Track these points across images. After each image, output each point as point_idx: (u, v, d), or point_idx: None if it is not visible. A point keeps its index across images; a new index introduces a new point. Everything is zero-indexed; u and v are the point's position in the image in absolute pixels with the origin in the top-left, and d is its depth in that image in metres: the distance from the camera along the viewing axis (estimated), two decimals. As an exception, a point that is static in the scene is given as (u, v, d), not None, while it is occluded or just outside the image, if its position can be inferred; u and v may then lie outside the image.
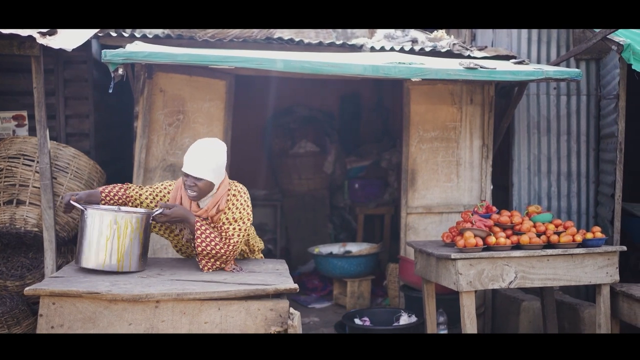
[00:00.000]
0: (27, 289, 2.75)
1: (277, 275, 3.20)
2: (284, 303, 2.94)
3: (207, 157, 3.20)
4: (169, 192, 3.40)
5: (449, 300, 4.78)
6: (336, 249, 6.63)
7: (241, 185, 3.40)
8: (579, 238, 4.07)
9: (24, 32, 3.87)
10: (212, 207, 3.27)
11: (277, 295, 2.98)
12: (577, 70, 4.54)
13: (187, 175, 3.20)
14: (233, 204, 3.30)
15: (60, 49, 3.99)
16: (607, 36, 4.31)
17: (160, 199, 3.38)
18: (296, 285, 3.02)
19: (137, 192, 3.40)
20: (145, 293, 2.79)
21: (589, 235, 4.10)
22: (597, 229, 4.16)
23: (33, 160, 4.46)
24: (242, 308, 2.89)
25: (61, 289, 2.75)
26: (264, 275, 3.19)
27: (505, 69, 4.41)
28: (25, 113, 5.14)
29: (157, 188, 3.45)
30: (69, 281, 2.91)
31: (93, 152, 5.20)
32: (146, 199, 3.39)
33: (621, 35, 4.32)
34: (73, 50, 4.05)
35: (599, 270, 4.09)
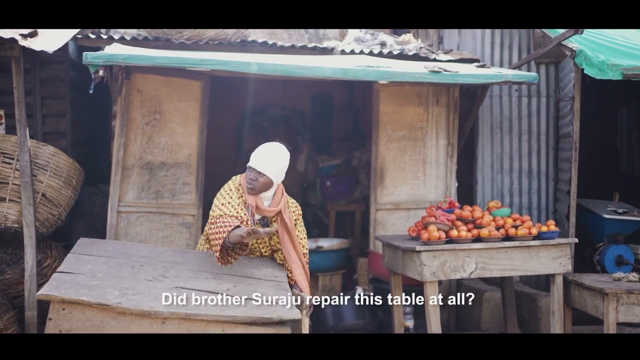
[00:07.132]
0: (38, 293, 2.79)
1: (277, 288, 3.21)
2: (285, 330, 2.98)
3: (273, 156, 3.40)
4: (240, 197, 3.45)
5: (415, 292, 5.01)
6: (308, 244, 6.80)
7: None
8: (534, 231, 4.35)
9: (5, 34, 3.93)
10: (277, 206, 3.46)
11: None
12: (534, 74, 4.83)
13: (251, 170, 3.38)
14: (302, 225, 3.66)
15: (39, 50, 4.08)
16: (562, 42, 4.59)
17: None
18: (300, 316, 3.08)
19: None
20: (154, 310, 2.83)
21: (544, 229, 4.37)
22: (551, 222, 4.44)
23: (13, 158, 4.55)
24: (245, 332, 2.91)
25: (72, 297, 2.79)
26: (265, 287, 3.19)
27: (468, 72, 4.65)
28: (2, 112, 5.21)
29: (232, 203, 3.42)
30: (78, 284, 2.92)
31: (70, 150, 5.29)
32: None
33: (574, 41, 4.60)
34: (50, 50, 4.13)
35: (553, 260, 4.37)
